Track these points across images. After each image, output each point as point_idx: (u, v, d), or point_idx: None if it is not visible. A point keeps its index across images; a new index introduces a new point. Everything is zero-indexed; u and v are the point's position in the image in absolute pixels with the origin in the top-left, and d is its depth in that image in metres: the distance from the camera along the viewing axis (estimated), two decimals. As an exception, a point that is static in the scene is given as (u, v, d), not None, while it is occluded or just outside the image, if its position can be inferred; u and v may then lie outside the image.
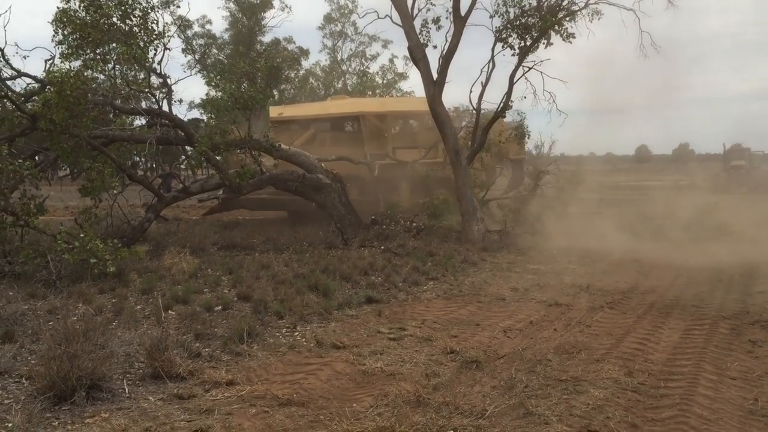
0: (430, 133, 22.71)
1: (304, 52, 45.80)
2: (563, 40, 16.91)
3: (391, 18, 16.91)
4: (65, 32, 13.09)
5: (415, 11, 16.53)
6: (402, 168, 21.03)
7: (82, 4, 13.12)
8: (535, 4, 17.30)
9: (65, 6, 13.06)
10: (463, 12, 16.38)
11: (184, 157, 19.48)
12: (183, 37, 43.03)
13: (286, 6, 43.77)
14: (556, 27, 16.80)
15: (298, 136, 21.70)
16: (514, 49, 17.53)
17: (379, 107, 20.57)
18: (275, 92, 40.82)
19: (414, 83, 56.69)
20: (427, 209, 18.55)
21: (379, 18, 17.80)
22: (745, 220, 18.30)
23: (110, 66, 13.89)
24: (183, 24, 40.29)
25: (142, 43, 13.50)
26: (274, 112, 23.98)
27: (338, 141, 21.47)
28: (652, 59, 17.75)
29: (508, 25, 17.38)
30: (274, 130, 22.14)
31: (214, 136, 13.33)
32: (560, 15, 16.94)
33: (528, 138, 21.91)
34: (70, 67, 12.95)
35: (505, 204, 20.38)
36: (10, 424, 4.94)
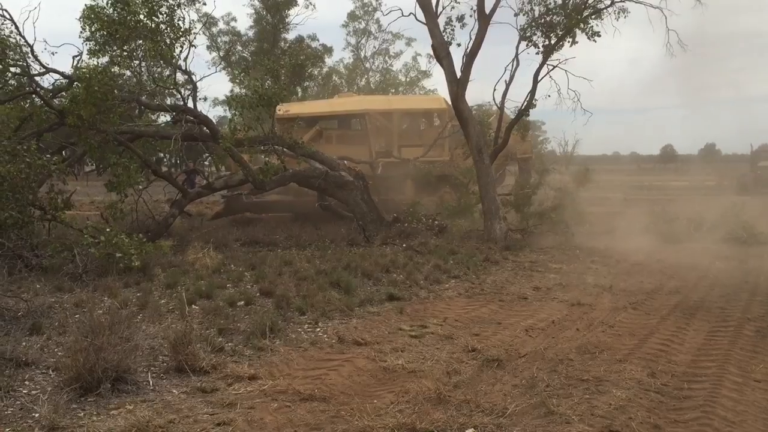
0: (435, 131, 22.77)
1: (328, 50, 46.01)
2: (588, 38, 16.78)
3: (415, 16, 16.90)
4: (93, 29, 13.25)
5: (440, 9, 16.49)
6: (404, 166, 21.10)
7: (110, 1, 13.28)
8: (560, 1, 17.20)
9: (93, 3, 13.23)
10: (487, 10, 16.33)
11: (208, 153, 19.66)
12: (208, 34, 43.41)
13: (311, 3, 43.99)
14: (582, 25, 16.67)
15: (303, 133, 21.82)
16: (539, 48, 17.44)
17: (384, 105, 20.60)
18: (299, 89, 41.04)
19: (437, 81, 56.60)
20: (446, 209, 18.55)
21: (403, 16, 17.79)
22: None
23: (137, 63, 14.05)
24: (208, 21, 40.60)
25: (168, 40, 13.63)
26: (280, 109, 24.10)
27: (344, 139, 21.52)
28: (679, 57, 17.56)
29: (533, 23, 17.30)
30: (280, 127, 22.29)
31: (237, 132, 13.43)
32: (586, 13, 16.81)
33: (531, 134, 21.87)
34: (97, 63, 13.14)
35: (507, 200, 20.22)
36: (37, 415, 5.04)
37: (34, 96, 13.32)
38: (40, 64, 13.37)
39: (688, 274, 11.86)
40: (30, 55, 13.13)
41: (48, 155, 11.81)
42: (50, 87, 13.92)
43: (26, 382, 5.78)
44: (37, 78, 13.56)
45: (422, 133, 22.22)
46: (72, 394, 5.41)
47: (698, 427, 5.03)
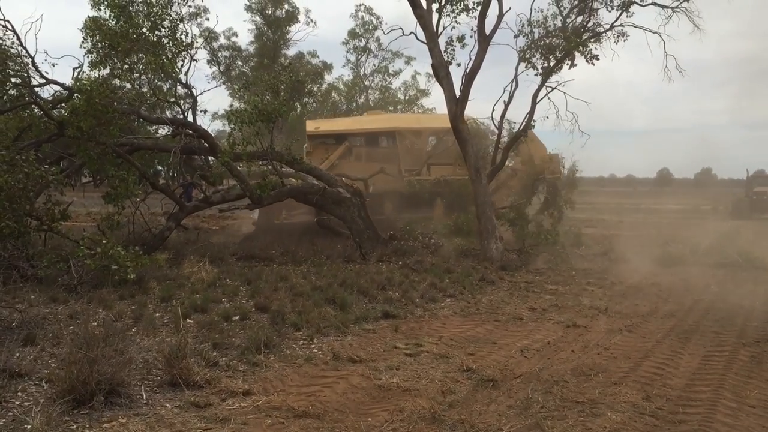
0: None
1: (328, 67, 46.26)
2: (587, 61, 16.95)
3: (416, 35, 17.01)
4: (95, 40, 13.31)
5: (441, 29, 16.61)
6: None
7: (113, 14, 13.34)
8: (560, 24, 17.38)
9: (96, 14, 13.30)
10: (488, 31, 16.43)
11: (199, 172, 19.67)
12: (209, 48, 43.62)
13: (311, 21, 44.34)
14: (581, 48, 16.83)
15: (333, 150, 21.93)
16: (538, 69, 17.60)
17: (414, 123, 20.67)
18: (298, 105, 41.16)
19: (436, 100, 56.75)
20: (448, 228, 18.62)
21: (404, 35, 17.92)
22: (767, 247, 18.09)
23: (137, 75, 14.09)
24: (210, 36, 40.82)
25: (170, 54, 13.69)
26: (311, 125, 24.21)
27: (373, 156, 21.60)
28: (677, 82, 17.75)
29: (533, 45, 17.47)
30: (311, 144, 22.42)
31: (236, 147, 13.46)
32: (585, 36, 16.98)
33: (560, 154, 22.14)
34: (98, 75, 13.17)
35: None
36: (29, 426, 5.00)
37: (33, 106, 13.33)
38: (41, 74, 13.40)
39: (684, 298, 11.87)
40: (31, 65, 13.17)
41: (46, 166, 11.79)
42: (50, 98, 13.94)
43: (19, 394, 5.75)
44: (37, 89, 13.59)
45: (450, 151, 22.25)
46: (65, 407, 5.39)
47: (693, 451, 5.02)
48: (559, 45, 17.23)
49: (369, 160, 22.12)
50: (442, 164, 21.59)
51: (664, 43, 17.06)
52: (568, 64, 17.29)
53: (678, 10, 16.85)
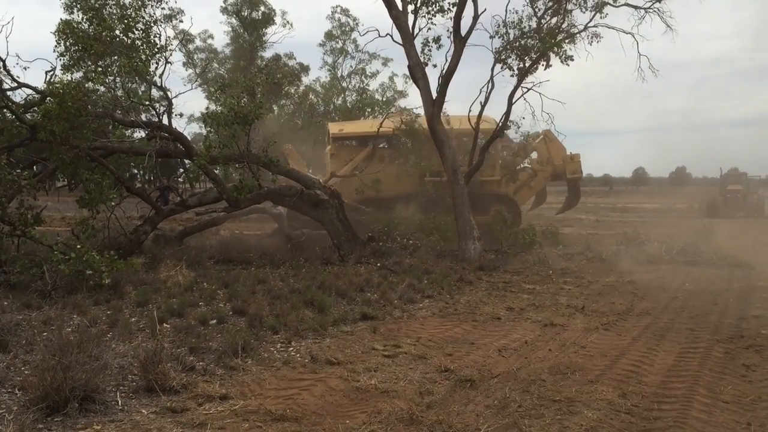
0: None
1: (305, 68, 46.01)
2: (562, 62, 17.08)
3: (392, 37, 17.04)
4: (68, 43, 13.15)
5: (416, 30, 16.66)
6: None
7: (86, 17, 13.19)
8: (534, 26, 17.50)
9: (69, 17, 13.13)
10: (463, 32, 16.51)
11: (182, 170, 19.54)
12: (184, 50, 43.28)
13: (288, 22, 44.13)
14: (555, 49, 16.96)
15: (357, 152, 21.83)
16: (513, 70, 17.71)
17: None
18: (275, 108, 41.02)
19: (413, 101, 56.71)
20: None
21: (380, 36, 17.94)
22: (740, 245, 18.36)
23: (111, 78, 13.95)
24: (185, 38, 40.51)
25: (144, 56, 13.58)
26: (335, 128, 24.08)
27: (397, 158, 21.50)
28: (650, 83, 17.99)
29: (508, 47, 17.57)
30: (334, 146, 22.32)
31: (212, 150, 13.38)
32: (559, 37, 17.11)
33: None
34: (71, 78, 13.02)
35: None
36: (1, 435, 4.93)
37: (5, 110, 13.15)
38: (12, 78, 13.22)
39: (659, 296, 11.99)
40: (2, 69, 12.98)
41: (18, 170, 11.65)
42: (22, 102, 13.75)
43: (-9, 401, 5.66)
44: (9, 93, 13.40)
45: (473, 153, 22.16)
46: (38, 414, 5.31)
47: (668, 447, 5.07)
48: (534, 46, 17.36)
49: (392, 162, 22.08)
50: (465, 166, 21.46)
51: (638, 43, 17.27)
52: (543, 64, 17.43)
53: (651, 10, 17.06)
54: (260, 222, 25.10)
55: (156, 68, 14.05)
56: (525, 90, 17.79)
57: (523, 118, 19.36)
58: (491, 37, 17.85)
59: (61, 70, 13.38)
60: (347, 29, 46.21)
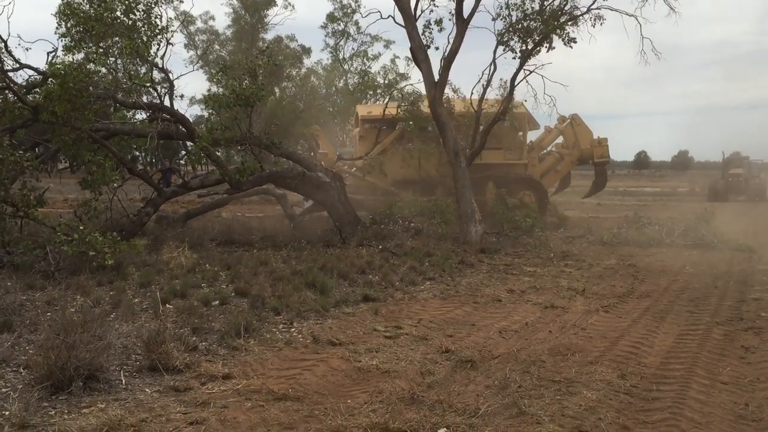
0: (515, 133, 22.78)
1: (306, 51, 45.96)
2: (564, 44, 16.99)
3: (394, 18, 16.95)
4: (69, 25, 13.10)
5: (419, 12, 16.55)
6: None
7: (87, -2, 13.13)
8: (537, 7, 17.39)
9: (70, -1, 13.07)
10: (465, 14, 16.42)
11: (184, 152, 19.55)
12: (186, 32, 43.16)
13: (289, 4, 44.07)
14: (558, 31, 16.87)
15: (385, 134, 21.79)
16: (516, 53, 17.62)
17: (464, 108, 20.33)
18: (276, 90, 40.88)
19: (414, 84, 56.32)
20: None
21: (382, 18, 17.85)
22: (741, 229, 18.39)
23: (113, 60, 13.91)
24: (186, 19, 40.36)
25: (145, 38, 13.53)
26: (363, 110, 24.00)
27: (425, 141, 21.46)
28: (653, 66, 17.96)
29: (510, 29, 17.47)
30: (363, 128, 22.31)
31: (214, 132, 13.37)
32: (562, 19, 17.01)
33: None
34: (72, 60, 12.99)
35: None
36: (7, 413, 4.99)
37: (7, 92, 13.14)
38: (14, 59, 13.19)
39: (659, 279, 12.04)
40: (3, 50, 12.95)
41: (21, 151, 11.65)
42: (24, 83, 13.73)
43: (-4, 380, 5.72)
44: (10, 73, 13.37)
45: (501, 137, 21.99)
46: (43, 392, 5.37)
47: (666, 428, 5.12)
48: (537, 28, 17.24)
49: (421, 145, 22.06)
50: (492, 149, 21.32)
51: (641, 25, 17.17)
52: (546, 47, 17.32)
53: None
54: (262, 204, 25.13)
55: (157, 50, 14.00)
56: (527, 72, 17.73)
57: (525, 100, 19.17)
58: (494, 19, 17.77)
59: (63, 51, 13.35)
60: (349, 11, 45.99)
